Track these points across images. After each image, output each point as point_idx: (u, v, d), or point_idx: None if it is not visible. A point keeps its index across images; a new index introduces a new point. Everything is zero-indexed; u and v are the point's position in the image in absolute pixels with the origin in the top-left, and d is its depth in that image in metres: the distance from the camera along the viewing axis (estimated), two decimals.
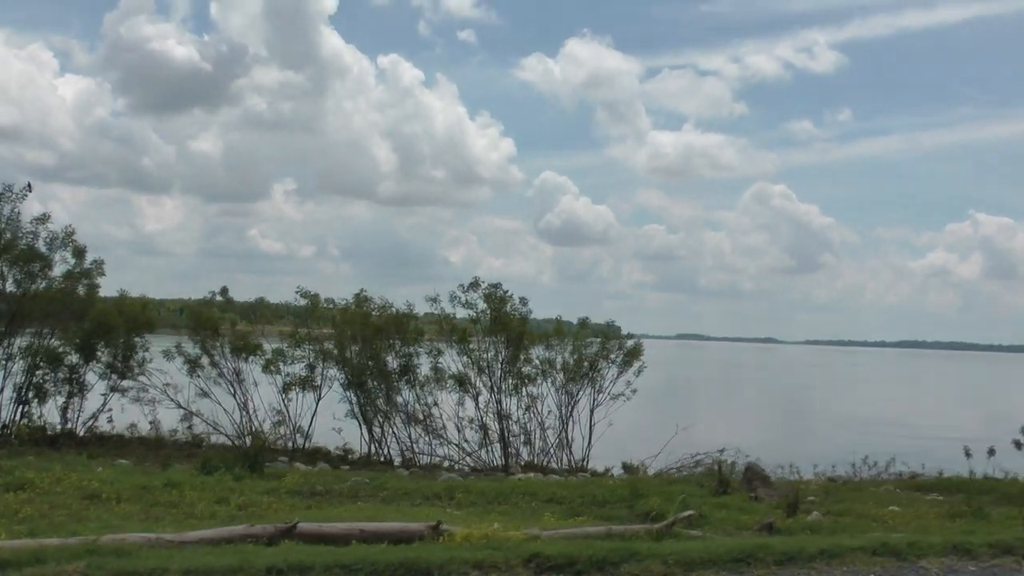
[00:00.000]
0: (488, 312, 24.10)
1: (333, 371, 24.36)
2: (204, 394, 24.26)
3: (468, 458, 23.99)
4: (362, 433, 24.33)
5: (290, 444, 23.98)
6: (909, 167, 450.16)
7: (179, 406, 24.17)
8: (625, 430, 29.00)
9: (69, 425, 23.70)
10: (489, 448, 24.24)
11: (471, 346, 24.31)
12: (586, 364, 24.42)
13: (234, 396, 24.34)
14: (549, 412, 24.67)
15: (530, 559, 7.30)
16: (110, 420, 24.17)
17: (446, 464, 23.58)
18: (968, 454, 25.09)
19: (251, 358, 24.54)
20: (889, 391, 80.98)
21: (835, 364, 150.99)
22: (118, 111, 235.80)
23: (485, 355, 24.26)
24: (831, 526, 11.59)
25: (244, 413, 24.34)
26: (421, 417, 23.94)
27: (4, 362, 23.31)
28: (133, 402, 24.25)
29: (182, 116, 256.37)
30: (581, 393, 24.73)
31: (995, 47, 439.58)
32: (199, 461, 17.21)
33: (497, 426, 24.21)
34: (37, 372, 23.36)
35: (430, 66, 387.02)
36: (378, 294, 25.00)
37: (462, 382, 24.12)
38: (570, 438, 24.68)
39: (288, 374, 24.22)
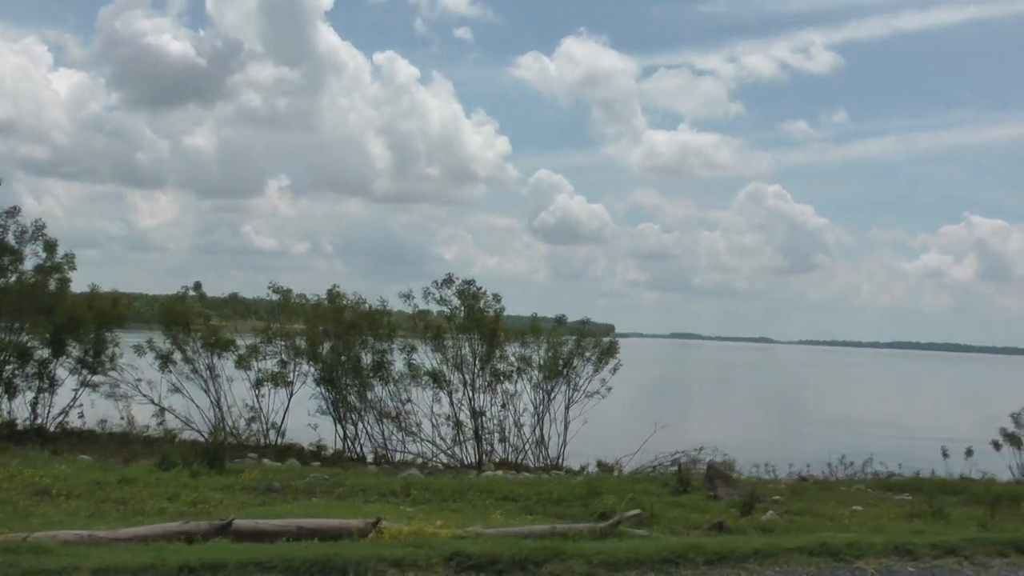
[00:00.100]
0: (462, 309, 23.91)
1: (306, 367, 24.17)
2: (176, 390, 24.08)
3: (442, 455, 23.81)
4: (337, 430, 24.19)
5: (262, 440, 23.80)
6: (904, 168, 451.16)
7: (151, 402, 23.98)
8: (608, 428, 28.88)
9: (39, 420, 23.48)
10: (463, 445, 24.07)
11: (446, 343, 24.13)
12: (561, 361, 24.19)
13: (206, 392, 24.15)
14: (524, 409, 24.49)
15: (451, 557, 7.13)
16: (81, 416, 23.92)
17: (419, 461, 23.40)
18: (945, 454, 25.00)
19: (224, 354, 24.36)
20: (879, 392, 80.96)
21: (827, 364, 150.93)
22: (112, 106, 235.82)
23: (459, 352, 24.07)
24: (784, 525, 11.43)
25: (217, 409, 24.15)
26: (394, 414, 23.73)
27: None
28: (106, 398, 24.04)
29: (176, 111, 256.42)
30: (557, 391, 24.53)
31: (991, 49, 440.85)
32: (158, 457, 17.00)
33: (471, 423, 24.03)
34: (7, 367, 23.11)
35: (426, 63, 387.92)
36: (352, 290, 24.87)
37: (436, 379, 23.93)
38: (546, 436, 24.50)
39: (260, 370, 24.03)
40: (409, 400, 24.03)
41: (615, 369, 24.79)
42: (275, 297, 24.57)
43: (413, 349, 24.17)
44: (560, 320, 25.46)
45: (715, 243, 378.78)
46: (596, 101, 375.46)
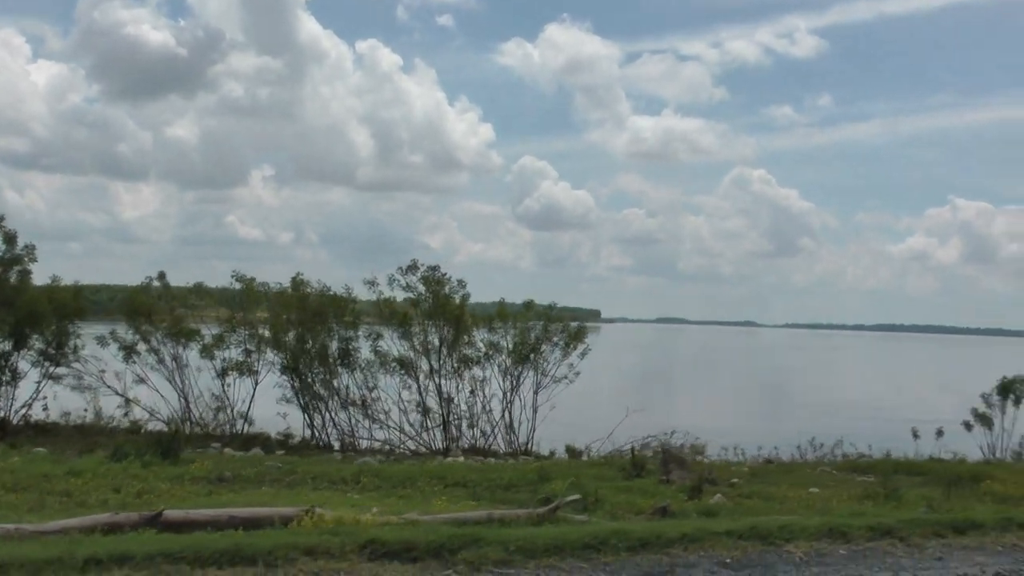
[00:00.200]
0: (428, 295, 23.72)
1: (272, 356, 23.98)
2: (141, 380, 23.88)
3: (409, 441, 23.67)
4: (305, 418, 24.03)
5: (229, 430, 23.62)
6: (889, 152, 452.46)
7: (116, 393, 23.75)
8: (585, 413, 28.80)
9: (1, 413, 23.22)
10: (431, 431, 23.93)
11: (412, 329, 23.95)
12: (527, 346, 24.04)
13: (171, 382, 23.94)
14: (492, 395, 24.36)
15: (367, 545, 6.98)
16: (45, 408, 23.69)
17: (386, 448, 23.25)
18: (916, 435, 25.06)
19: (190, 344, 24.16)
20: (860, 374, 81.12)
21: (811, 347, 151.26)
22: (92, 97, 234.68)
23: (426, 338, 23.90)
24: (730, 509, 11.30)
25: (182, 399, 23.96)
26: (359, 401, 23.55)
27: None
28: (72, 390, 23.79)
29: (158, 102, 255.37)
30: (524, 376, 24.40)
31: (975, 34, 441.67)
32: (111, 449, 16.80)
33: (439, 409, 23.88)
34: None
35: (408, 51, 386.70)
36: (316, 277, 24.64)
37: (403, 365, 23.76)
38: (515, 421, 24.37)
39: (225, 359, 23.82)
40: (376, 387, 23.85)
41: (584, 354, 24.68)
42: (238, 286, 24.25)
43: (379, 336, 23.96)
44: (528, 305, 25.27)
45: (700, 228, 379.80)
46: (580, 87, 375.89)
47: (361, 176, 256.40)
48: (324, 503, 11.41)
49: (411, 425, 23.91)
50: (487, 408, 24.29)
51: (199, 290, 25.31)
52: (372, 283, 23.91)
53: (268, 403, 24.02)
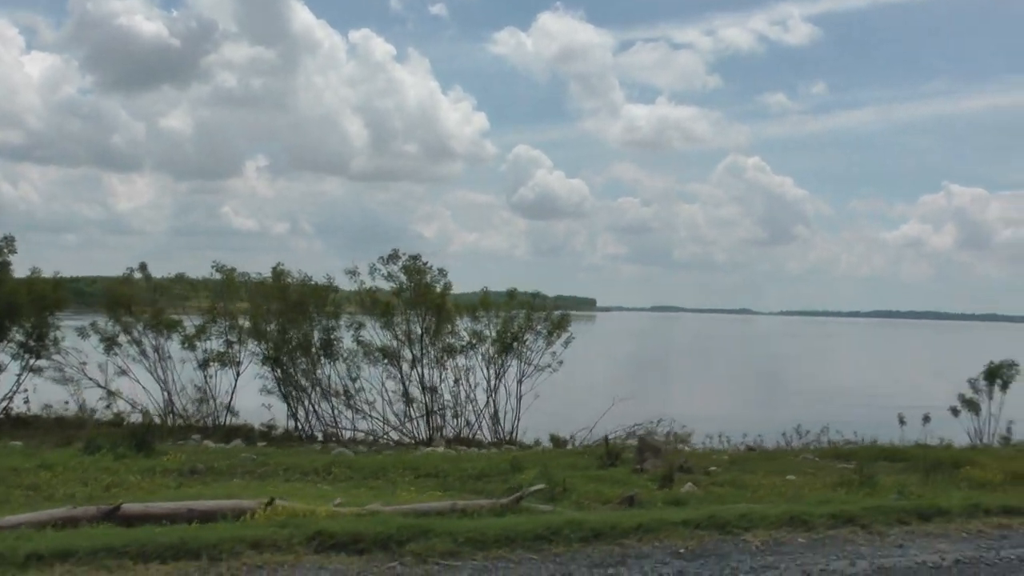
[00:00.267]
0: (409, 285, 23.60)
1: (254, 346, 23.85)
2: (123, 372, 23.75)
3: (392, 432, 23.57)
4: (289, 409, 23.92)
5: (211, 421, 23.51)
6: (883, 139, 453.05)
7: (98, 385, 23.61)
8: (573, 401, 28.75)
9: None
10: (415, 421, 23.84)
11: (395, 319, 23.83)
12: (509, 335, 23.93)
13: (152, 374, 23.82)
14: (476, 385, 24.27)
15: (314, 536, 6.89)
16: (26, 401, 23.56)
17: (370, 438, 23.14)
18: (902, 421, 25.01)
19: (172, 335, 24.02)
20: (853, 361, 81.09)
21: (805, 334, 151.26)
22: (86, 88, 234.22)
23: (408, 328, 23.78)
24: (700, 498, 11.19)
25: (164, 391, 23.84)
26: (341, 391, 23.43)
27: None
28: (54, 382, 23.65)
29: (151, 93, 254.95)
30: (508, 365, 24.30)
31: (969, 21, 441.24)
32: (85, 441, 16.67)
33: (423, 399, 23.79)
34: None
35: (402, 41, 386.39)
36: (301, 267, 24.48)
37: (385, 355, 23.65)
38: (500, 411, 24.30)
39: (206, 350, 23.70)
40: (358, 378, 23.73)
41: (567, 343, 24.59)
42: (218, 276, 24.12)
43: (361, 326, 23.84)
44: (511, 294, 25.16)
45: (695, 216, 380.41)
46: (573, 76, 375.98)
47: (355, 166, 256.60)
48: (291, 495, 11.31)
49: (395, 415, 23.82)
50: (471, 398, 24.21)
51: (181, 281, 25.17)
52: (353, 273, 23.78)
53: (253, 395, 23.90)
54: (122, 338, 23.86)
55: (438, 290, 23.63)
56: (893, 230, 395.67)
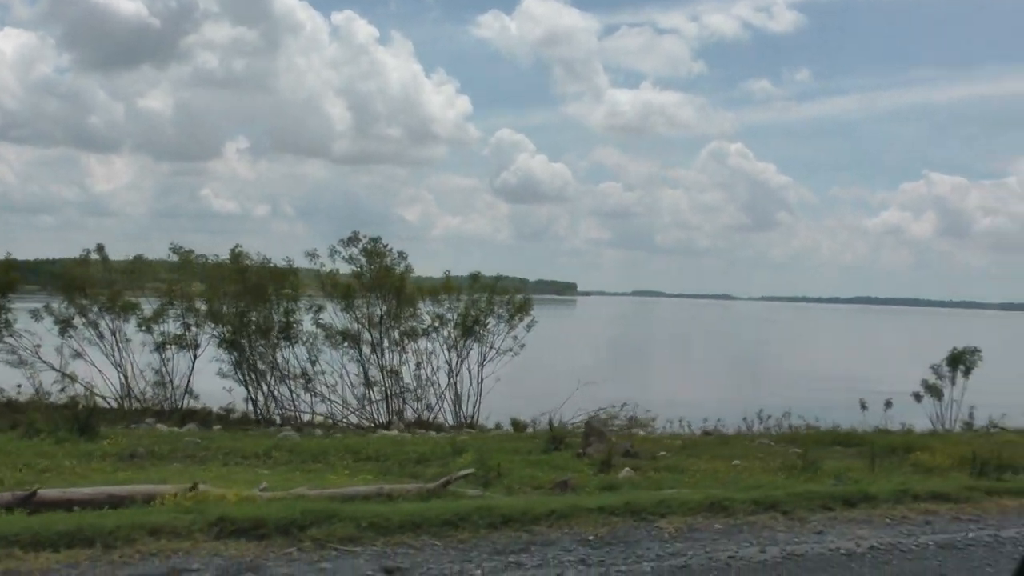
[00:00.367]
0: (369, 267, 23.43)
1: (212, 329, 23.66)
2: (78, 355, 23.50)
3: (352, 415, 23.44)
4: (249, 392, 23.74)
5: (171, 405, 23.31)
6: (866, 127, 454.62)
7: (53, 368, 23.34)
8: (542, 385, 28.61)
9: None
10: (376, 404, 23.72)
11: (356, 302, 23.67)
12: (471, 318, 23.81)
13: (109, 357, 23.58)
14: (438, 368, 24.17)
15: (216, 522, 6.72)
16: None
17: (329, 422, 23.01)
18: (864, 407, 25.01)
19: (129, 317, 23.78)
20: (829, 346, 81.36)
21: (784, 320, 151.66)
22: (63, 67, 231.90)
23: (368, 311, 23.63)
24: (636, 482, 11.09)
25: (121, 374, 23.61)
26: (299, 374, 23.27)
27: None
28: (9, 366, 23.33)
29: (130, 73, 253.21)
30: (470, 348, 24.20)
31: (954, 9, 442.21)
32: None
33: (383, 382, 23.66)
34: None
35: (385, 23, 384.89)
36: (255, 249, 24.24)
37: (345, 338, 23.49)
38: (461, 394, 24.21)
39: (163, 333, 23.47)
40: (317, 361, 23.57)
41: (530, 326, 24.49)
42: (175, 258, 23.88)
43: (320, 308, 23.67)
44: (475, 277, 25.03)
45: (677, 201, 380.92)
46: (557, 60, 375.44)
47: (337, 149, 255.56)
48: (224, 479, 11.18)
49: (356, 398, 23.71)
50: (433, 381, 24.10)
51: (138, 262, 24.90)
52: (313, 255, 23.58)
53: (214, 378, 23.70)
54: (78, 320, 23.59)
55: (398, 272, 23.44)
56: (874, 217, 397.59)
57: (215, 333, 23.45)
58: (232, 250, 23.70)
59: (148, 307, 23.96)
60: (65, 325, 23.32)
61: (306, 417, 23.26)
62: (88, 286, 23.45)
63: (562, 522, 7.22)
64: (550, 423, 16.74)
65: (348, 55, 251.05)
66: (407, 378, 23.88)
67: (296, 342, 23.49)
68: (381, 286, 23.30)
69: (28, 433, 14.96)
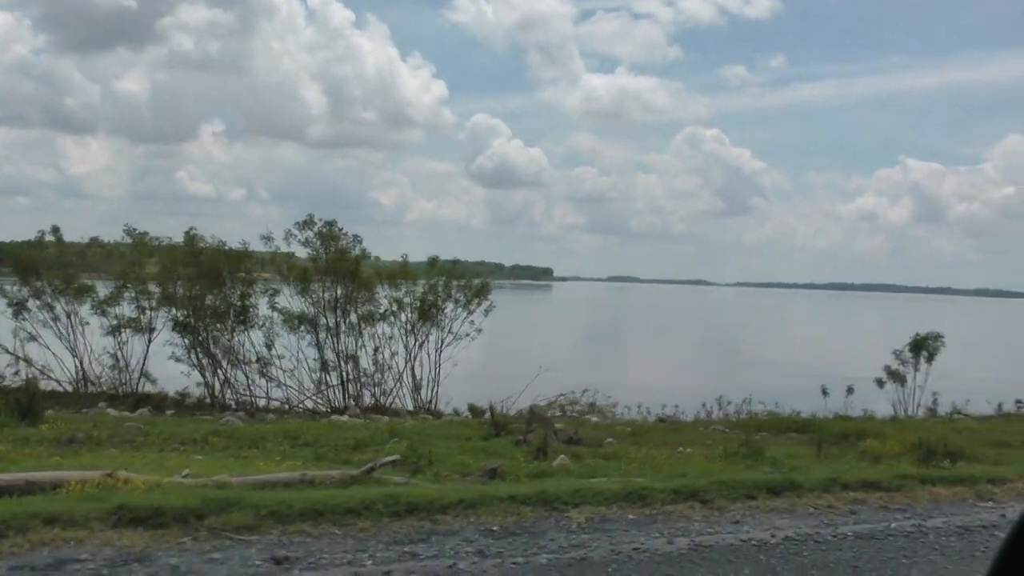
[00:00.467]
0: (324, 251, 23.25)
1: (167, 312, 23.43)
2: (32, 338, 23.25)
3: (308, 400, 23.29)
4: (205, 377, 23.53)
5: (126, 389, 23.10)
6: (841, 113, 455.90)
7: (6, 351, 23.09)
8: (506, 370, 28.49)
9: None
10: (333, 389, 23.57)
11: (312, 286, 23.48)
12: (427, 303, 23.66)
13: (62, 340, 23.34)
14: (394, 353, 24.02)
15: (115, 511, 6.60)
16: None
17: (285, 407, 22.87)
18: (825, 392, 25.02)
19: (86, 300, 23.55)
20: (800, 332, 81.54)
21: (758, 305, 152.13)
22: (39, 48, 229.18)
23: (323, 295, 23.44)
24: (568, 470, 10.97)
25: (75, 357, 23.38)
26: (254, 359, 23.08)
27: None
28: None
29: (106, 55, 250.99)
30: (428, 333, 24.06)
31: None
32: None
33: (339, 367, 23.50)
34: None
35: (361, 6, 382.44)
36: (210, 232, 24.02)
37: (302, 322, 23.31)
38: (424, 380, 24.08)
39: (117, 316, 23.23)
40: (274, 345, 23.39)
41: (487, 311, 24.36)
42: (129, 240, 23.64)
43: (276, 292, 23.47)
44: (432, 262, 24.88)
45: (652, 187, 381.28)
46: (533, 44, 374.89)
47: (313, 132, 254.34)
48: (154, 465, 11.02)
49: (312, 383, 23.55)
50: (390, 366, 23.96)
51: (94, 244, 24.65)
52: (269, 238, 23.36)
53: (171, 362, 23.47)
54: (32, 303, 23.34)
55: (352, 256, 23.25)
56: (849, 203, 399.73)
57: (170, 316, 23.17)
58: (187, 232, 23.53)
59: (104, 290, 23.70)
60: (19, 307, 23.03)
61: (262, 402, 23.07)
62: (42, 268, 23.12)
63: (469, 511, 7.12)
64: (490, 409, 16.55)
65: (324, 38, 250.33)
66: (365, 363, 23.67)
67: (252, 326, 23.25)
68: (336, 270, 23.07)
69: None
